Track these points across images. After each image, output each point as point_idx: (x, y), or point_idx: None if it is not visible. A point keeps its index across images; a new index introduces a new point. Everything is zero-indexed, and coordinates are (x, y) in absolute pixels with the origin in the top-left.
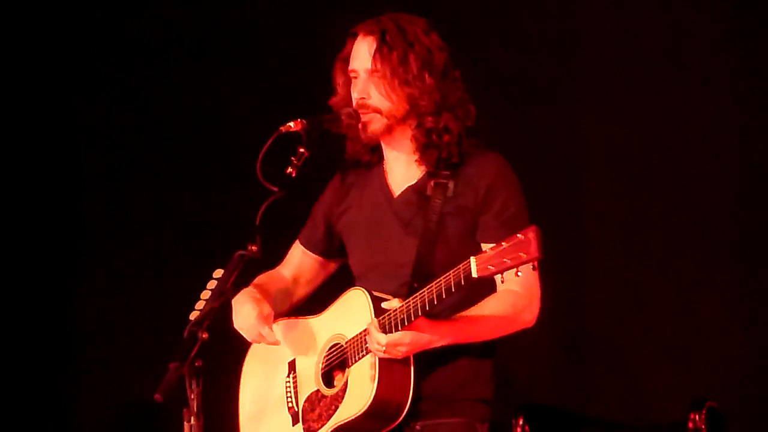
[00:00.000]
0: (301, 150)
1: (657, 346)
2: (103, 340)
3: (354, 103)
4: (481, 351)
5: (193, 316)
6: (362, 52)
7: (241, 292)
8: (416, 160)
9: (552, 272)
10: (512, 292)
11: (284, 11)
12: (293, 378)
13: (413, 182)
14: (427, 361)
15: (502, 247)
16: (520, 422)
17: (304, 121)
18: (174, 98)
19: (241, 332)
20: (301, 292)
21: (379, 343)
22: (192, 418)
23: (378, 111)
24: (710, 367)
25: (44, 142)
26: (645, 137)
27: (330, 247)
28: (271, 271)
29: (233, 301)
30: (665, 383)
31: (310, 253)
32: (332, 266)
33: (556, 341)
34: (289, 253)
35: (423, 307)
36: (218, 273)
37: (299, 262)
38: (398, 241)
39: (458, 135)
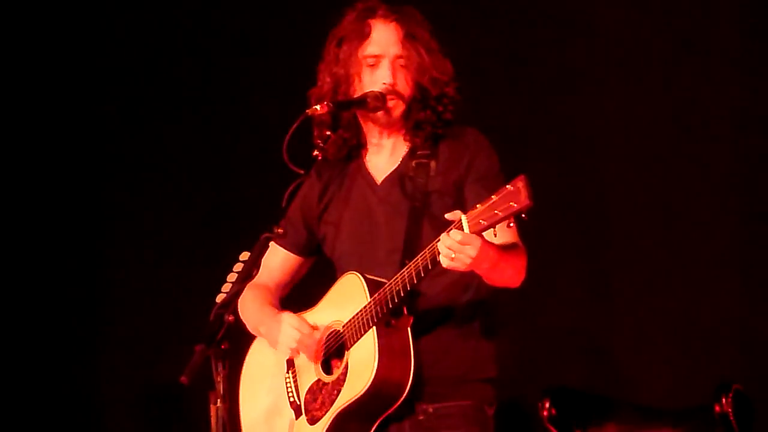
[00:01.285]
0: (328, 133)
1: (684, 329)
2: (129, 322)
3: (378, 87)
4: (484, 331)
5: (220, 298)
6: (387, 38)
7: (267, 321)
8: (403, 137)
9: (578, 257)
10: (521, 247)
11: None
12: (292, 373)
13: (395, 166)
14: (433, 342)
15: (492, 200)
16: (547, 405)
17: (330, 104)
18: (197, 81)
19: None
20: (284, 293)
21: (454, 241)
22: (218, 400)
23: (402, 96)
24: (737, 351)
25: (70, 127)
26: (669, 123)
27: (311, 246)
28: (256, 287)
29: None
30: (692, 366)
31: (294, 255)
32: (309, 264)
33: (582, 324)
34: (267, 258)
35: (418, 274)
36: (244, 255)
37: (281, 267)
38: (387, 227)
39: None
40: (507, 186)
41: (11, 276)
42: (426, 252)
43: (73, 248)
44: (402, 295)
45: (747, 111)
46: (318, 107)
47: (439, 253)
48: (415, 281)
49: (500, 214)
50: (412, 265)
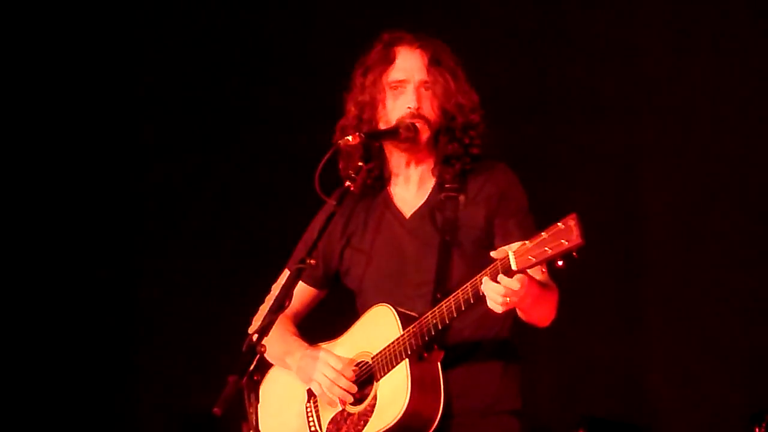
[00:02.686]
0: (360, 163)
1: (717, 358)
2: (163, 353)
3: (403, 112)
4: (509, 364)
5: (253, 329)
6: (412, 63)
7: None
8: (431, 171)
9: (611, 287)
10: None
11: (347, 34)
12: (314, 402)
13: (423, 200)
14: (459, 375)
15: (541, 237)
16: None
17: (362, 134)
18: (232, 111)
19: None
20: (297, 322)
21: (509, 288)
22: (251, 431)
23: (427, 121)
24: None
25: (107, 154)
26: (704, 151)
27: (329, 279)
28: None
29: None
30: (725, 395)
31: (309, 288)
32: (322, 296)
33: (615, 354)
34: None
35: (458, 308)
36: (277, 286)
37: (298, 298)
38: (417, 260)
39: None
40: (558, 223)
41: (51, 309)
42: (468, 286)
43: (109, 281)
44: (440, 328)
45: None
46: (350, 138)
47: (486, 298)
48: (455, 315)
49: (550, 251)
50: (452, 299)
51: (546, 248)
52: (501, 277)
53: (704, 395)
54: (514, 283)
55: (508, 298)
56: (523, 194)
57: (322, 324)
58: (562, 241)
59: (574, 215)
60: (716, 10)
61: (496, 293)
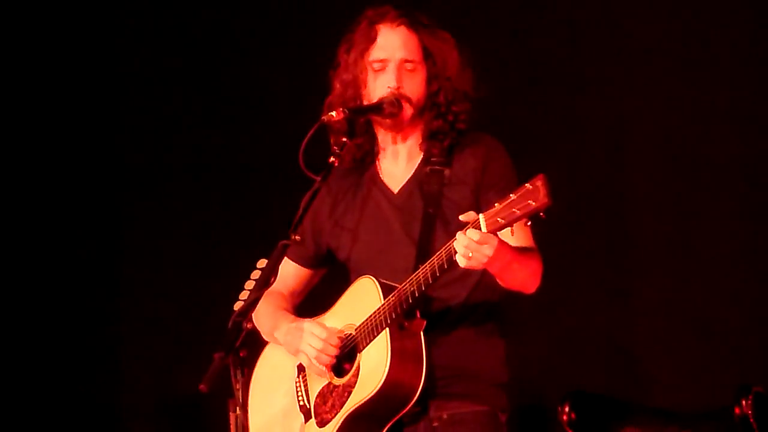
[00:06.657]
0: (344, 139)
1: (704, 331)
2: (149, 329)
3: (383, 92)
4: (495, 337)
5: (238, 306)
6: (393, 42)
7: (284, 328)
8: (419, 146)
9: (597, 259)
10: (536, 251)
11: (328, 11)
12: (302, 378)
13: (410, 174)
14: (445, 347)
15: (510, 199)
16: (566, 409)
17: (346, 110)
18: (212, 91)
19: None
20: (298, 301)
21: (471, 240)
22: (237, 408)
23: (409, 100)
24: (758, 353)
25: (86, 142)
26: (688, 122)
27: (320, 258)
28: (269, 294)
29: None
30: (712, 369)
31: (303, 268)
32: (321, 274)
33: (602, 327)
34: (281, 268)
35: (433, 274)
36: (262, 263)
37: (293, 278)
38: (404, 234)
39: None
40: (526, 185)
41: (34, 290)
42: (442, 252)
43: (92, 259)
44: (417, 296)
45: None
46: (333, 113)
47: (455, 253)
48: (431, 281)
49: (518, 212)
50: (428, 266)
51: (514, 209)
52: (471, 231)
53: (691, 368)
54: (475, 234)
55: (470, 252)
56: (509, 166)
57: (322, 301)
58: (530, 201)
59: (541, 176)
60: None
61: (460, 245)
